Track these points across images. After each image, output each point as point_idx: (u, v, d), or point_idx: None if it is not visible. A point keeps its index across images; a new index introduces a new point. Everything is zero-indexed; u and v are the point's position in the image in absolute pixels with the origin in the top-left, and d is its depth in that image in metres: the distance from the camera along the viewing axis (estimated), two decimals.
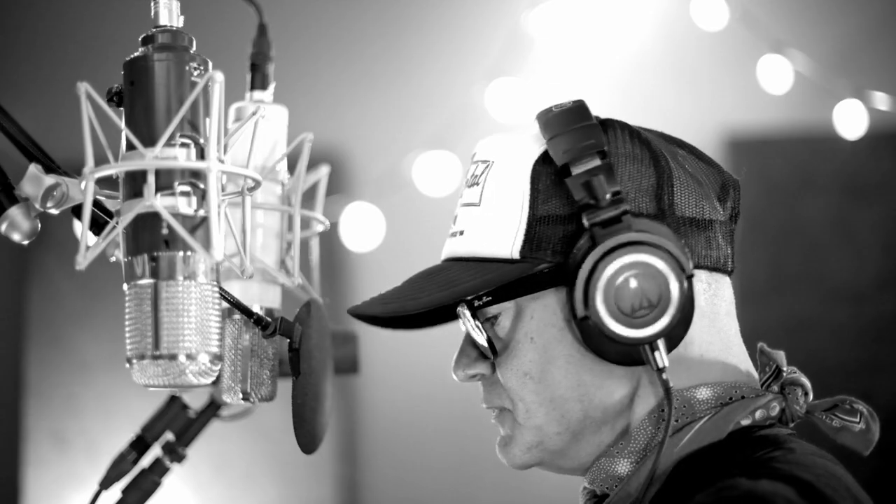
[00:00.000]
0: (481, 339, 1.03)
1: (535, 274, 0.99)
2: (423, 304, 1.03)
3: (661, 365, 0.96)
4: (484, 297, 1.00)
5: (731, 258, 1.05)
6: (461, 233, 1.05)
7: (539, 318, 1.01)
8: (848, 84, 2.87)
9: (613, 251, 0.95)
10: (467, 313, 1.02)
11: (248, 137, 0.98)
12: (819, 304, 3.17)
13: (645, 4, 3.26)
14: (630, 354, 0.96)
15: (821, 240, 3.19)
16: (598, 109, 1.06)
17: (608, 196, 0.95)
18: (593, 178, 0.95)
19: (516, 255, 1.00)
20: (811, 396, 1.03)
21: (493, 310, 1.03)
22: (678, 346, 0.98)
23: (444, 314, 1.10)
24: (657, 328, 0.95)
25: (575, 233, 0.98)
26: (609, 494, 1.02)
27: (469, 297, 1.01)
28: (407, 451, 3.12)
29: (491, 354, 1.03)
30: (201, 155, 0.84)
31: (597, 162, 0.97)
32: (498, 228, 1.01)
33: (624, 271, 0.95)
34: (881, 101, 2.88)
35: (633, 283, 0.95)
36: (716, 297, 1.04)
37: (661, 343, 0.96)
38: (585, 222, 0.96)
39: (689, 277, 0.96)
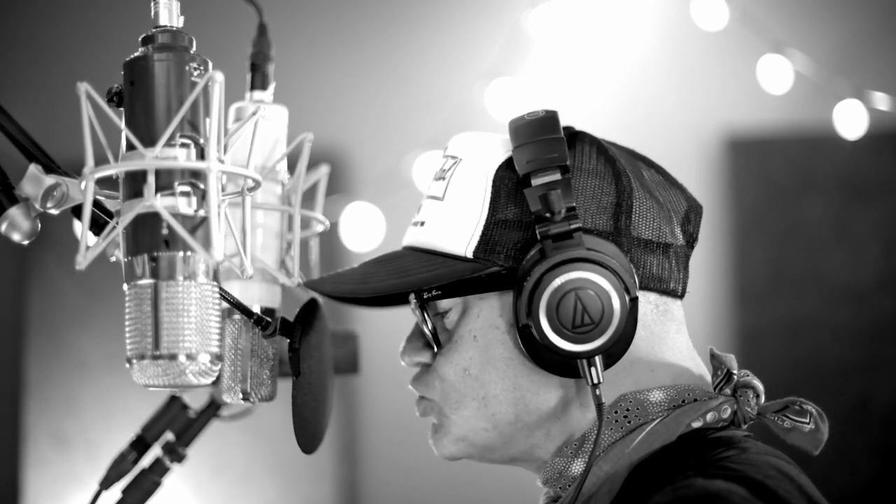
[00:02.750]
0: (427, 331, 1.05)
1: (486, 275, 1.01)
2: (374, 289, 1.05)
3: (595, 380, 0.97)
4: (433, 291, 1.03)
5: (683, 283, 1.06)
6: (422, 223, 1.07)
7: (484, 318, 1.03)
8: (848, 84, 2.87)
9: (560, 265, 0.96)
10: (416, 303, 1.04)
11: (248, 137, 0.98)
12: (819, 304, 3.17)
13: (645, 4, 3.26)
14: (567, 366, 0.98)
15: (821, 240, 3.20)
16: (598, 110, 1.06)
17: (563, 211, 0.97)
18: (551, 191, 0.97)
19: (470, 255, 1.02)
20: (763, 399, 1.04)
21: (444, 304, 1.05)
22: (624, 356, 0.99)
23: (396, 299, 1.12)
24: (595, 345, 0.97)
25: (528, 241, 1.00)
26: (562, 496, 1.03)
27: (417, 289, 1.03)
28: (407, 451, 3.12)
29: (435, 346, 1.06)
30: (201, 155, 0.84)
31: (557, 176, 0.98)
32: (456, 225, 1.03)
33: (568, 286, 0.96)
34: (881, 101, 2.88)
35: (577, 299, 0.96)
36: (664, 317, 1.04)
37: (598, 359, 0.97)
38: (538, 234, 0.97)
39: (634, 299, 0.97)
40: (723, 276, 3.18)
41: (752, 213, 3.20)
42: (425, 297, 1.04)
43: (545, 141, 1.00)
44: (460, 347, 1.04)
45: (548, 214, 0.97)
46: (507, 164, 1.03)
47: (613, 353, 0.98)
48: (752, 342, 3.12)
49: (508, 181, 1.02)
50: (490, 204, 1.02)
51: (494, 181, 1.03)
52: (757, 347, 3.11)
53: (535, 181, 0.98)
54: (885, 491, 3.11)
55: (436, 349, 1.06)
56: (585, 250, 0.97)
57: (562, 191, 0.97)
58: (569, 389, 1.02)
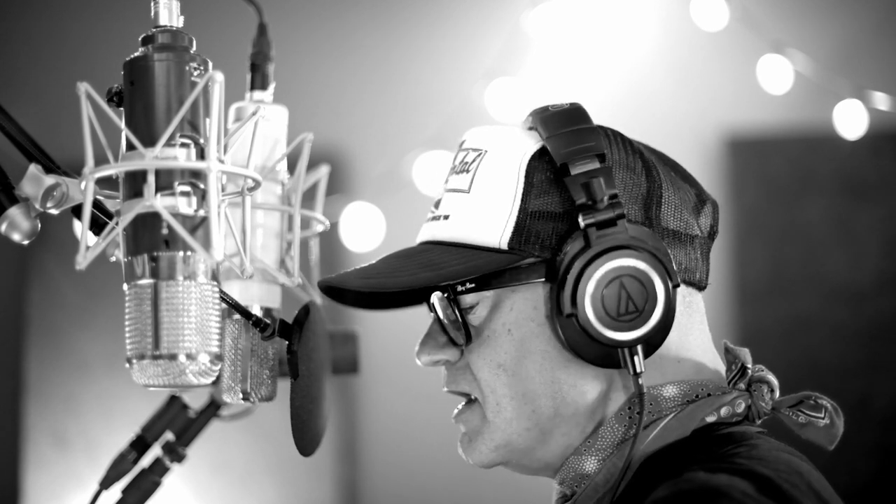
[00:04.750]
0: (457, 325, 1.03)
1: (523, 266, 1.00)
2: (405, 283, 1.03)
3: (638, 369, 0.97)
4: (467, 283, 1.01)
5: (706, 275, 1.06)
6: (445, 217, 1.05)
7: (519, 310, 1.01)
8: (848, 84, 2.87)
9: (606, 253, 0.96)
10: (445, 297, 1.02)
11: (248, 137, 0.98)
12: (819, 304, 3.17)
13: (645, 4, 3.26)
14: (608, 356, 0.97)
15: (821, 240, 3.20)
16: (598, 110, 1.06)
17: (606, 199, 0.96)
18: (593, 179, 0.96)
19: (504, 246, 1.00)
20: (777, 393, 1.04)
21: (470, 298, 1.03)
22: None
23: (415, 296, 1.10)
24: (640, 333, 0.96)
25: (566, 231, 0.99)
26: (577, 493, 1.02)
27: (454, 281, 1.01)
28: (407, 451, 3.12)
29: (465, 342, 1.03)
30: (201, 155, 0.84)
31: (596, 165, 0.98)
32: (487, 217, 1.01)
33: (614, 274, 0.96)
34: (881, 101, 2.89)
35: (622, 287, 0.96)
36: (689, 308, 1.04)
37: (639, 348, 0.97)
38: (581, 222, 0.96)
39: (676, 287, 0.97)
40: (723, 276, 3.18)
41: (752, 213, 3.20)
42: (459, 290, 1.01)
43: (579, 130, 1.00)
44: (494, 342, 1.02)
45: (590, 202, 0.96)
46: (539, 155, 1.01)
47: (654, 341, 0.97)
48: (751, 342, 3.09)
49: (541, 171, 1.01)
50: (523, 194, 1.00)
51: (527, 171, 1.01)
52: (757, 347, 3.09)
53: (575, 170, 0.97)
54: (885, 491, 3.11)
55: (465, 345, 1.03)
56: (630, 237, 0.96)
57: (603, 178, 0.96)
58: (604, 382, 1.01)
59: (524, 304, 1.01)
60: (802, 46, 2.93)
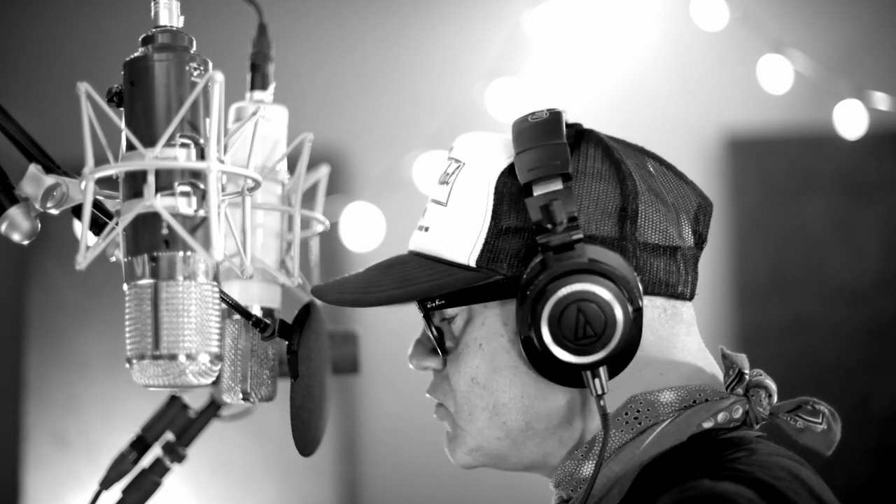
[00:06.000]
0: (432, 338, 1.05)
1: (489, 284, 1.00)
2: (376, 299, 1.04)
3: (599, 391, 0.96)
4: (437, 300, 1.02)
5: (692, 286, 1.04)
6: (426, 228, 1.06)
7: (489, 326, 1.02)
8: (848, 84, 2.87)
9: (562, 277, 0.95)
10: (422, 312, 1.04)
11: (248, 137, 0.98)
12: (819, 304, 3.17)
13: (645, 4, 3.26)
14: (571, 377, 0.97)
15: (821, 240, 3.20)
16: (598, 110, 1.06)
17: (564, 221, 0.95)
18: (552, 201, 0.95)
19: (472, 263, 1.01)
20: (775, 398, 1.03)
21: (450, 310, 1.04)
22: (633, 360, 0.98)
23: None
24: (598, 356, 0.95)
25: (530, 250, 0.99)
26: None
27: (420, 299, 1.03)
28: (407, 451, 3.12)
29: (441, 353, 1.05)
30: (201, 155, 0.84)
31: (558, 185, 0.96)
32: (459, 233, 1.02)
33: (570, 298, 0.95)
34: (881, 101, 2.89)
35: (579, 311, 0.95)
36: (672, 320, 1.03)
37: (602, 370, 0.96)
38: (539, 245, 0.96)
39: (638, 310, 0.96)
40: (723, 276, 3.18)
41: (752, 213, 3.20)
42: (429, 305, 1.03)
43: (547, 147, 0.99)
44: (467, 357, 1.03)
45: (548, 225, 0.95)
46: (510, 171, 1.01)
47: (618, 362, 0.97)
48: (752, 342, 3.12)
49: (511, 187, 1.01)
50: (493, 212, 1.01)
51: (497, 188, 1.01)
52: (757, 347, 3.11)
53: (537, 190, 0.97)
54: (885, 491, 3.11)
55: (442, 356, 1.06)
56: (588, 261, 0.95)
57: (563, 200, 0.95)
58: (577, 395, 1.01)
59: (494, 320, 1.02)
60: (802, 46, 2.93)
